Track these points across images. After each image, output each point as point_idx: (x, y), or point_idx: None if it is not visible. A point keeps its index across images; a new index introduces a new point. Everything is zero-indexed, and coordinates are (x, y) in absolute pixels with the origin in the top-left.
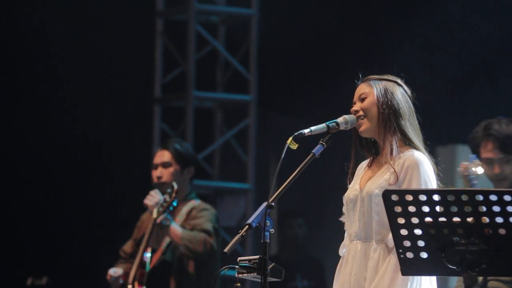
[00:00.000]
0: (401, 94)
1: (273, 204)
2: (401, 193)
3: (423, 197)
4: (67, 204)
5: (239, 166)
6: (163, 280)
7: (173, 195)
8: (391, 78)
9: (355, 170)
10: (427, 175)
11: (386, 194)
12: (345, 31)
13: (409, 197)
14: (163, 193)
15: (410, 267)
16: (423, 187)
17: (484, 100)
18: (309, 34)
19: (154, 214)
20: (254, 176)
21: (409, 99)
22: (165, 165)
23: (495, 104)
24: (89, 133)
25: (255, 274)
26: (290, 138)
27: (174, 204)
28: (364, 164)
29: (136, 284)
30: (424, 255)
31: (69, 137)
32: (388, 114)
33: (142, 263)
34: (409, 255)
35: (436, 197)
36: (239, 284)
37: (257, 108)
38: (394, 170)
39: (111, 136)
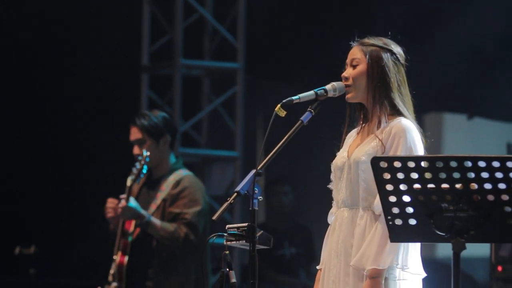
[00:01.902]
0: (393, 63)
1: (261, 171)
2: (390, 159)
3: (411, 164)
4: (55, 173)
5: (227, 134)
6: (146, 250)
7: (142, 162)
8: (385, 45)
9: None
10: (413, 142)
11: (375, 161)
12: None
13: (398, 164)
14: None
15: (398, 234)
16: (408, 153)
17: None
18: (296, 1)
19: (128, 182)
20: (242, 144)
21: (402, 67)
22: (139, 142)
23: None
24: (76, 101)
25: (244, 241)
26: (278, 106)
27: (144, 171)
28: (353, 132)
29: (119, 254)
30: (412, 221)
31: (56, 106)
32: (377, 86)
33: (125, 233)
34: (398, 221)
35: (424, 164)
36: (227, 252)
37: (245, 76)
38: (382, 143)
39: (99, 104)
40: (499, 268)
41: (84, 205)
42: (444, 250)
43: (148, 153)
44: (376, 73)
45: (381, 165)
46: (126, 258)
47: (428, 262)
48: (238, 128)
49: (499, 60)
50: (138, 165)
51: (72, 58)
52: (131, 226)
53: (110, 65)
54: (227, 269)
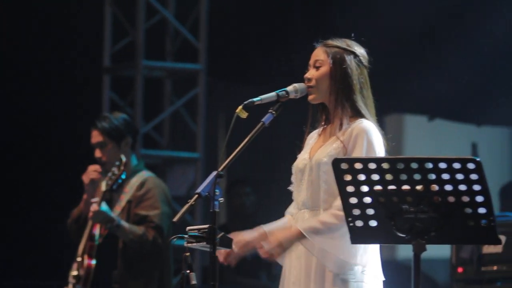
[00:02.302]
0: (356, 65)
1: (222, 173)
2: (351, 161)
3: (372, 165)
4: (16, 174)
5: (188, 135)
6: (111, 252)
7: (122, 168)
8: (348, 47)
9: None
10: (372, 142)
11: (336, 163)
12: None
13: (359, 165)
14: (107, 171)
15: (359, 236)
16: (366, 153)
17: (430, 70)
18: (259, 1)
19: (103, 187)
20: (203, 145)
21: (365, 69)
22: (100, 145)
23: (439, 73)
24: (38, 103)
25: (205, 243)
26: (240, 107)
27: (123, 177)
28: (314, 133)
29: (85, 257)
30: (373, 223)
31: (17, 107)
32: (340, 88)
33: (91, 236)
34: (359, 223)
35: (385, 165)
36: (188, 254)
37: (207, 77)
38: (343, 145)
39: (60, 106)
40: (460, 270)
41: (46, 208)
42: (405, 251)
43: (125, 159)
44: (339, 75)
45: (342, 167)
46: (93, 262)
47: (389, 263)
48: (199, 129)
49: None
50: (116, 170)
51: (34, 59)
52: (97, 229)
53: (71, 66)
54: (188, 271)
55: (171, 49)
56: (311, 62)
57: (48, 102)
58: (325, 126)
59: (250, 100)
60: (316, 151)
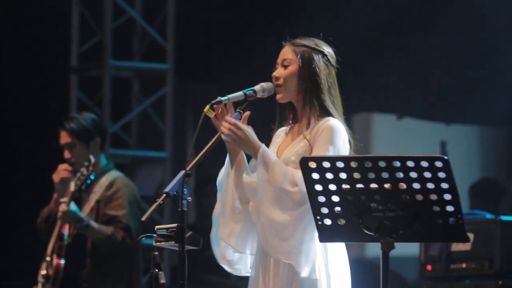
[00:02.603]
0: (324, 65)
1: (190, 172)
2: (319, 160)
3: (340, 164)
4: None
5: (156, 135)
6: (80, 251)
7: (90, 168)
8: (317, 46)
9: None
10: (336, 139)
11: (304, 161)
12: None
13: (327, 164)
14: (76, 171)
15: (327, 234)
16: (326, 151)
17: (397, 67)
18: (225, 2)
19: (72, 188)
20: (171, 145)
21: (333, 68)
22: (69, 146)
23: (408, 70)
24: (5, 102)
25: (173, 242)
26: (207, 106)
27: (92, 177)
28: (281, 131)
29: (54, 256)
30: (341, 221)
31: None
32: (308, 87)
33: (60, 235)
34: (327, 221)
35: (353, 164)
36: (156, 253)
37: (175, 77)
38: (309, 144)
39: (27, 106)
40: (429, 267)
41: (14, 207)
42: (374, 250)
43: (94, 160)
44: (307, 75)
45: (310, 165)
46: (62, 261)
47: (358, 262)
48: (167, 129)
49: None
50: (84, 171)
51: (0, 59)
52: (66, 228)
53: (39, 66)
54: (157, 270)
55: (139, 49)
56: (279, 60)
57: (15, 102)
58: (293, 124)
59: (217, 99)
60: (284, 149)
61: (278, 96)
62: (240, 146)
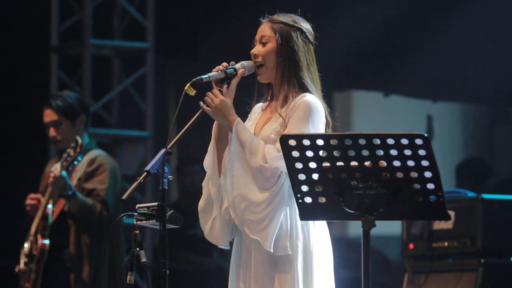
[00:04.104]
0: (303, 42)
1: (171, 150)
2: (299, 137)
3: (320, 142)
4: None
5: (137, 113)
6: (64, 232)
7: (78, 149)
8: (295, 23)
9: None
10: (310, 116)
11: (283, 139)
12: None
13: (307, 142)
14: (64, 150)
15: (308, 212)
16: (300, 126)
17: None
18: None
19: (58, 168)
20: (153, 123)
21: (311, 45)
22: (54, 124)
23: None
24: None
25: (154, 221)
26: (188, 84)
27: (79, 158)
28: (258, 108)
29: (38, 236)
30: (322, 199)
31: None
32: (286, 65)
33: (45, 215)
34: (307, 200)
35: (333, 142)
36: (137, 231)
37: (155, 56)
38: (284, 121)
39: (7, 85)
40: (411, 246)
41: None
42: (356, 229)
43: (81, 141)
44: (286, 52)
45: (290, 143)
46: (46, 241)
47: (340, 240)
48: (148, 107)
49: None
50: (71, 152)
51: None
52: (50, 209)
53: (18, 45)
54: (138, 249)
55: (119, 28)
56: (257, 37)
57: None
58: (270, 101)
59: (198, 77)
60: (262, 127)
61: (260, 77)
62: (215, 116)
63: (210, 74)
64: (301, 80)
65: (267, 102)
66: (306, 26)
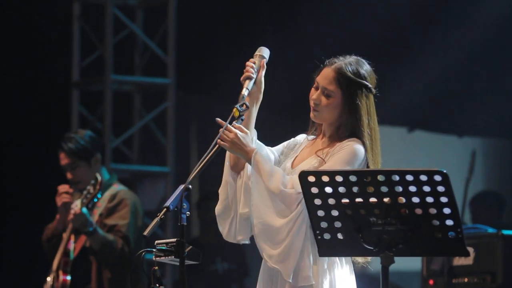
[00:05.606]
0: (366, 98)
1: (190, 186)
2: (318, 174)
3: (339, 178)
4: None
5: (158, 149)
6: (86, 268)
7: (97, 187)
8: (362, 80)
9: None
10: (351, 162)
11: (303, 175)
12: (262, 11)
13: (326, 178)
14: (80, 190)
15: (327, 248)
16: (336, 165)
17: (406, 80)
18: (227, 15)
19: (78, 205)
20: (173, 159)
21: (372, 95)
22: (70, 167)
23: (414, 80)
24: (8, 116)
25: (173, 257)
26: (235, 108)
27: (99, 196)
28: (302, 137)
29: (60, 272)
30: (341, 236)
31: None
32: (348, 122)
33: (66, 251)
34: (326, 236)
35: (352, 178)
36: (156, 267)
37: (176, 91)
38: (324, 161)
39: (29, 121)
40: (431, 282)
41: (16, 223)
42: (377, 264)
43: (100, 178)
44: (348, 110)
45: (309, 180)
46: (68, 277)
47: (360, 276)
48: (169, 143)
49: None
50: (91, 189)
51: (2, 74)
52: (72, 244)
53: (41, 81)
54: (157, 285)
55: (140, 63)
56: (320, 84)
57: (17, 117)
58: (316, 137)
59: (241, 98)
60: (302, 160)
61: (312, 116)
62: (232, 150)
63: (246, 87)
64: (355, 133)
65: (313, 137)
66: (369, 75)
